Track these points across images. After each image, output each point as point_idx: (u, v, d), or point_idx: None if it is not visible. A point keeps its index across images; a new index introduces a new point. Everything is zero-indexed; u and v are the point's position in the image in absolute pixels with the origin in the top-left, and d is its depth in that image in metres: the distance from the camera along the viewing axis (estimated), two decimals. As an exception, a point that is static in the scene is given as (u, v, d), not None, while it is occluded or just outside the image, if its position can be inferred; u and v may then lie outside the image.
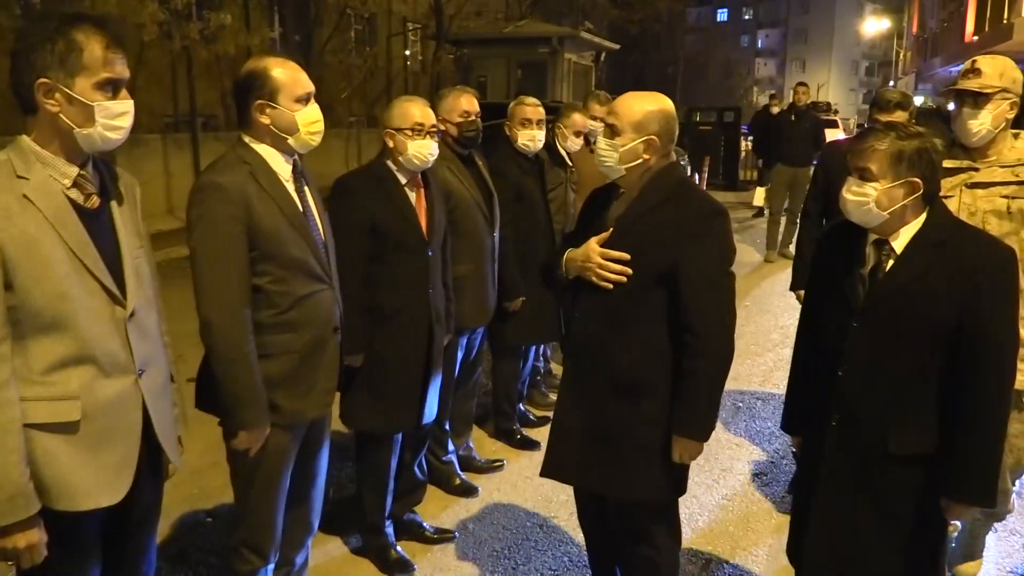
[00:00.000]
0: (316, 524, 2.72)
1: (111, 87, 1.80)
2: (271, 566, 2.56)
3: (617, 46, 19.96)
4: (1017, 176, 2.78)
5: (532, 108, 4.02)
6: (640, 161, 2.37)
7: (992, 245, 2.18)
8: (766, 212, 10.40)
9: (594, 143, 5.14)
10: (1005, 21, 20.16)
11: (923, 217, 2.17)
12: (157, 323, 2.03)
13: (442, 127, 3.52)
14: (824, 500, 2.32)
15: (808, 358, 2.43)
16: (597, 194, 2.64)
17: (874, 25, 57.54)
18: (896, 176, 2.11)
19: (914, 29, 41.26)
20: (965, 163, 2.86)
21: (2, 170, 1.75)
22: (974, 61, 2.88)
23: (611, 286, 2.35)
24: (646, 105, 2.38)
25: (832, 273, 2.31)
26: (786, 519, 2.81)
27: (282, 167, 2.39)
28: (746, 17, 69.54)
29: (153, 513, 2.11)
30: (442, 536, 3.46)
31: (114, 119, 1.82)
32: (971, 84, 2.79)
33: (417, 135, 2.95)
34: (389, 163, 3.02)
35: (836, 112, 30.23)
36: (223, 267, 2.25)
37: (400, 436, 3.21)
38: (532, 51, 16.71)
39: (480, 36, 17.44)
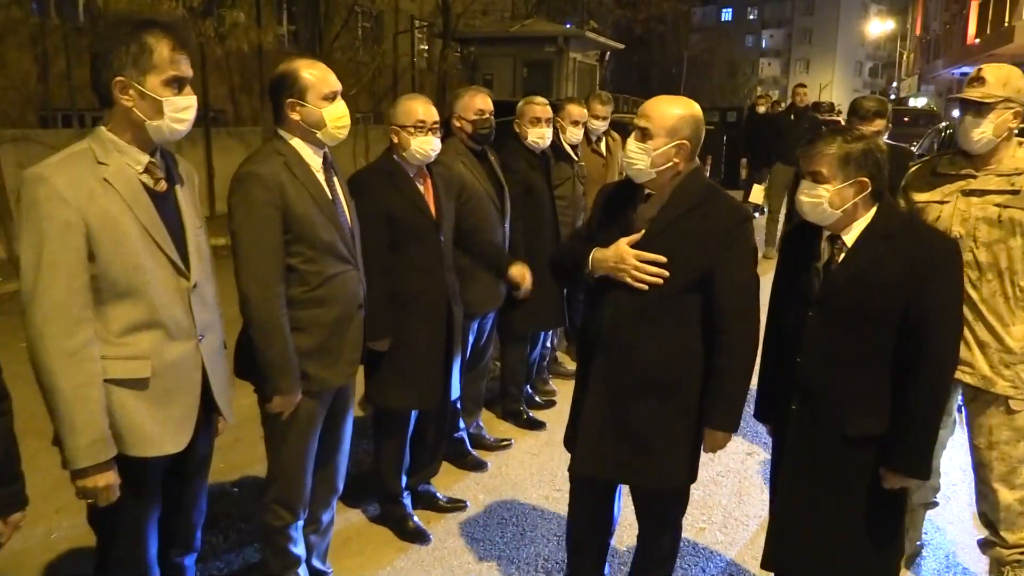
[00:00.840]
0: (341, 485, 2.97)
1: (177, 84, 2.05)
2: (300, 522, 2.81)
3: (622, 46, 20.18)
4: (1012, 185, 2.82)
5: (541, 107, 4.27)
6: (670, 165, 2.42)
7: (938, 237, 2.34)
8: (764, 210, 10.62)
9: (596, 141, 5.45)
10: (1007, 24, 20.36)
11: (872, 212, 2.32)
12: (214, 295, 2.28)
13: (457, 123, 3.77)
14: (787, 482, 2.46)
15: (774, 348, 2.56)
16: (613, 192, 2.67)
17: (878, 26, 57.65)
18: (845, 177, 2.26)
19: (917, 31, 41.38)
20: (965, 170, 2.90)
21: (85, 157, 2.00)
22: (980, 70, 2.90)
23: (646, 287, 2.40)
24: (678, 109, 2.43)
25: (792, 268, 2.48)
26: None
27: (313, 159, 2.64)
28: (751, 17, 69.76)
29: (206, 464, 2.37)
30: (454, 505, 3.72)
31: (179, 112, 2.06)
32: (974, 93, 2.82)
33: (419, 132, 3.16)
34: (396, 158, 3.25)
35: (839, 112, 30.41)
36: (260, 247, 2.50)
37: (415, 413, 3.46)
38: (538, 50, 16.92)
39: (487, 35, 17.65)
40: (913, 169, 3.14)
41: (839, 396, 2.32)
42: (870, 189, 2.27)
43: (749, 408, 2.64)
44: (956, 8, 29.10)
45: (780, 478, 2.50)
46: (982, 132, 2.78)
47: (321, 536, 2.97)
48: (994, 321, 2.83)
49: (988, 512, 2.95)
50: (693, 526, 3.58)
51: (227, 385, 2.31)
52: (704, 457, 2.59)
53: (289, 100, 2.58)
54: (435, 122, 3.21)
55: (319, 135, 2.61)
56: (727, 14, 68.38)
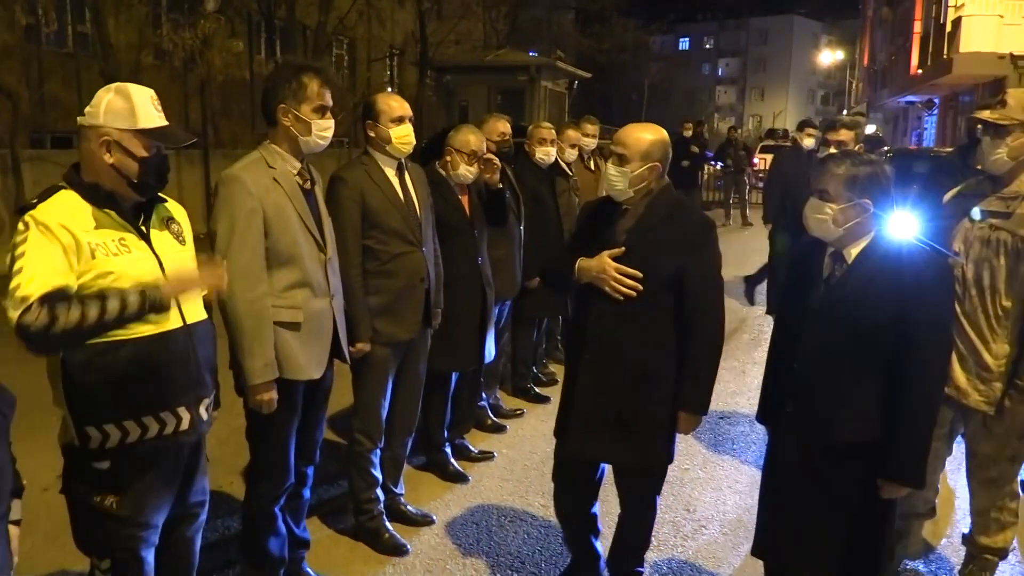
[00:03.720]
0: (415, 424, 3.74)
1: (321, 111, 2.84)
2: (378, 450, 3.56)
3: (589, 75, 21.15)
4: (1007, 207, 2.87)
5: (547, 130, 5.17)
6: (645, 184, 2.74)
7: (931, 259, 2.45)
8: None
9: (587, 158, 6.33)
10: (945, 56, 21.78)
11: (873, 233, 2.47)
12: (348, 272, 3.06)
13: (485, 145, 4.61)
14: (776, 484, 2.63)
15: (777, 355, 2.73)
16: (596, 208, 2.99)
17: (828, 56, 59.71)
18: (850, 198, 2.41)
19: (865, 61, 43.24)
20: (985, 190, 2.99)
21: (260, 163, 2.80)
22: (1004, 92, 2.96)
23: (621, 298, 2.69)
24: (650, 135, 2.75)
25: (798, 280, 2.65)
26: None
27: (388, 165, 3.42)
28: (707, 46, 71.83)
29: (327, 395, 3.11)
30: (484, 456, 4.52)
31: (322, 131, 2.85)
32: (992, 115, 2.89)
33: (472, 160, 3.91)
34: (441, 170, 4.02)
35: (793, 140, 31.71)
36: (346, 229, 3.23)
37: (455, 377, 4.24)
38: (511, 78, 17.77)
39: (462, 64, 18.51)
40: (952, 191, 3.22)
41: (829, 401, 2.46)
42: (871, 211, 2.44)
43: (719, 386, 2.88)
44: (900, 41, 30.70)
45: (770, 480, 2.71)
46: (998, 154, 2.86)
47: (396, 465, 3.73)
48: (974, 336, 2.94)
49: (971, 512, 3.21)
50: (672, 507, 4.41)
51: (346, 335, 3.09)
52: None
53: (368, 122, 3.40)
54: (482, 152, 3.97)
55: (388, 149, 3.40)
56: (684, 43, 70.39)
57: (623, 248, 2.71)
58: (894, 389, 2.40)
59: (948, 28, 21.86)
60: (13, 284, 1.96)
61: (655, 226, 2.74)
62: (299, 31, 14.97)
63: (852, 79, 51.55)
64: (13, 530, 1.91)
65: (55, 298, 1.95)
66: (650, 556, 3.53)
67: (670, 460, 2.92)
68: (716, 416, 5.33)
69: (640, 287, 2.67)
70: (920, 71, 25.71)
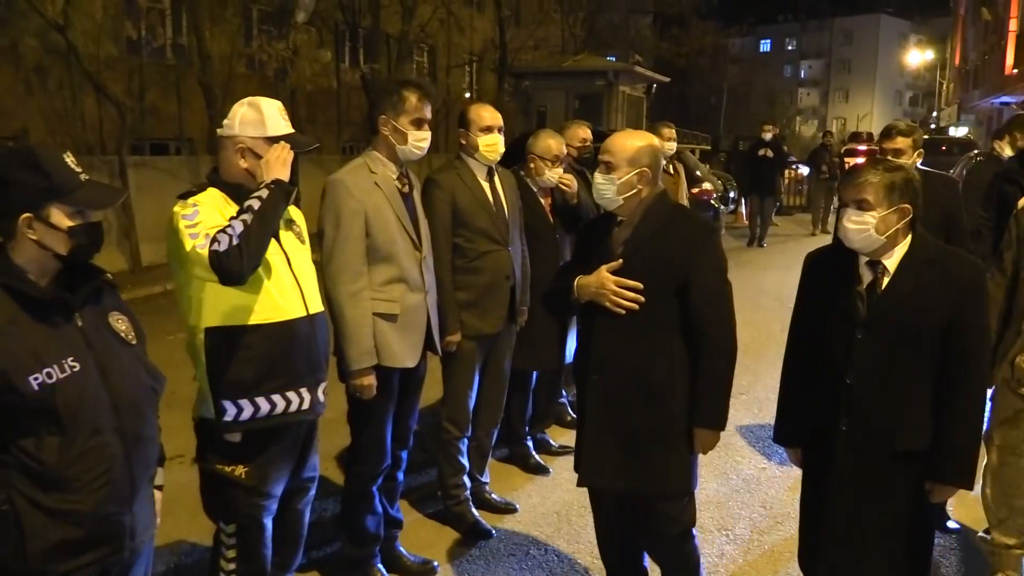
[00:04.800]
0: (500, 416, 3.93)
1: (418, 123, 3.06)
2: (466, 439, 3.76)
3: (667, 79, 21.15)
4: None
5: (627, 135, 5.28)
6: (635, 191, 2.63)
7: (971, 264, 2.47)
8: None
9: (666, 163, 6.43)
10: (1042, 55, 20.98)
11: (909, 239, 2.43)
12: (437, 268, 3.28)
13: (566, 150, 4.78)
14: (836, 503, 2.51)
15: (804, 373, 2.60)
16: (592, 224, 2.95)
17: (917, 56, 57.99)
18: (890, 204, 2.37)
19: (956, 61, 41.76)
20: None
21: (363, 168, 3.04)
22: None
23: (623, 312, 2.57)
24: (636, 141, 2.68)
25: (825, 292, 2.53)
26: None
27: (479, 170, 3.63)
28: (789, 48, 70.50)
29: (421, 384, 3.32)
30: (564, 450, 4.67)
31: (418, 141, 3.07)
32: None
33: (555, 164, 4.10)
34: (523, 175, 4.20)
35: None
36: (437, 226, 3.43)
37: (535, 376, 4.42)
38: (589, 84, 17.96)
39: (540, 69, 18.77)
40: None
41: (890, 413, 2.40)
42: (911, 216, 2.41)
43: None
44: (994, 39, 29.69)
45: (827, 500, 2.54)
46: None
47: (481, 454, 3.93)
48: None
49: None
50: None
51: (439, 327, 3.31)
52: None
53: (460, 130, 3.62)
54: (563, 155, 4.16)
55: (477, 156, 3.61)
56: (765, 45, 69.24)
57: (621, 260, 2.61)
58: (946, 393, 2.38)
59: (1046, 26, 21.05)
60: (194, 230, 2.26)
61: (652, 234, 2.63)
62: (383, 40, 15.45)
63: (942, 79, 49.84)
64: (156, 494, 2.16)
65: (222, 229, 2.25)
66: (727, 549, 3.65)
67: (692, 485, 2.73)
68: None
69: (641, 299, 2.56)
70: (1015, 71, 24.82)
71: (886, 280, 2.41)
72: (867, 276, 2.45)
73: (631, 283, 2.56)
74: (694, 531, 2.81)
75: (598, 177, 2.68)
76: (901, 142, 3.88)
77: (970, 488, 2.48)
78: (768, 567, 3.54)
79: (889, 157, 3.68)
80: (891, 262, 2.42)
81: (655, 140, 2.74)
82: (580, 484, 2.79)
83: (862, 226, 2.38)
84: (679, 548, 2.79)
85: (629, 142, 2.67)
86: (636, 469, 2.64)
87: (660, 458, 2.63)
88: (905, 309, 2.37)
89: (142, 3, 12.77)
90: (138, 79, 12.31)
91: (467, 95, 23.26)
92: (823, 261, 2.61)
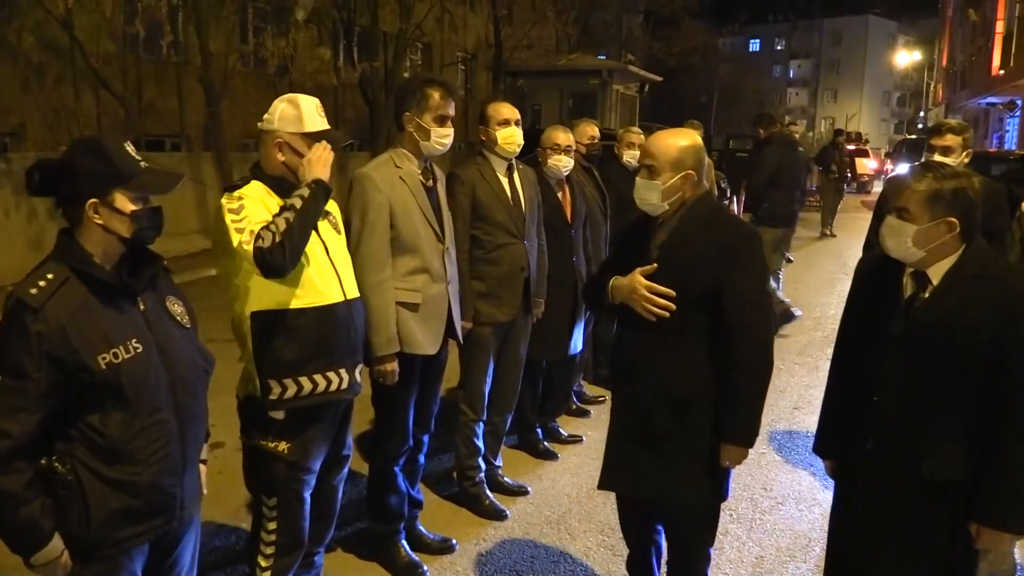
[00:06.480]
0: (514, 401, 4.09)
1: (441, 120, 3.20)
2: (482, 422, 3.91)
3: (660, 78, 21.37)
4: None
5: (636, 135, 5.52)
6: (679, 195, 2.51)
7: (1021, 280, 2.21)
8: None
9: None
10: (1028, 56, 21.26)
11: (959, 252, 2.21)
12: (456, 258, 3.42)
13: (575, 147, 4.94)
14: (860, 523, 2.36)
15: (843, 383, 2.49)
16: (632, 224, 2.79)
17: (905, 57, 58.37)
18: (933, 216, 2.16)
19: (944, 62, 42.15)
20: None
21: (389, 163, 3.18)
22: None
23: (654, 318, 2.47)
24: (680, 142, 2.52)
25: (868, 301, 2.40)
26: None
27: (499, 166, 3.78)
28: (779, 48, 70.86)
29: (442, 370, 3.47)
30: (573, 439, 4.84)
31: (441, 138, 3.21)
32: None
33: (556, 152, 4.26)
34: (545, 170, 4.37)
35: (867, 142, 31.29)
36: (457, 221, 3.55)
37: (545, 366, 4.57)
38: (583, 82, 18.16)
39: (535, 68, 18.95)
40: None
41: (918, 438, 2.22)
42: (959, 230, 2.20)
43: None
44: (981, 40, 29.99)
45: (852, 520, 2.42)
46: None
47: (496, 438, 4.09)
48: None
49: None
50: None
51: (459, 316, 3.45)
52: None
53: (481, 127, 3.77)
54: (569, 146, 4.33)
55: (496, 149, 3.76)
56: (755, 45, 69.60)
57: (655, 264, 2.51)
58: (991, 424, 2.14)
59: (1032, 27, 21.35)
60: (240, 225, 2.40)
61: (690, 238, 2.51)
62: (379, 38, 15.56)
63: (930, 80, 50.26)
64: (201, 467, 2.30)
65: (266, 226, 2.39)
66: (730, 527, 3.82)
67: (723, 497, 2.64)
68: (790, 407, 5.61)
69: (673, 306, 2.45)
70: (1002, 71, 25.12)
71: (927, 294, 2.24)
72: (910, 288, 2.29)
73: (663, 290, 2.46)
74: (711, 550, 2.73)
75: (640, 183, 2.55)
76: (951, 139, 3.72)
77: (1022, 534, 2.26)
78: (771, 543, 3.71)
79: (937, 155, 3.63)
80: (935, 275, 2.23)
81: (698, 138, 2.60)
82: (600, 487, 2.73)
83: (898, 236, 2.23)
84: (691, 556, 2.72)
85: (673, 143, 2.53)
86: (661, 478, 2.55)
87: (688, 469, 2.53)
88: (942, 327, 2.17)
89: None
90: (136, 75, 12.38)
91: (461, 93, 23.36)
92: (874, 268, 2.45)
